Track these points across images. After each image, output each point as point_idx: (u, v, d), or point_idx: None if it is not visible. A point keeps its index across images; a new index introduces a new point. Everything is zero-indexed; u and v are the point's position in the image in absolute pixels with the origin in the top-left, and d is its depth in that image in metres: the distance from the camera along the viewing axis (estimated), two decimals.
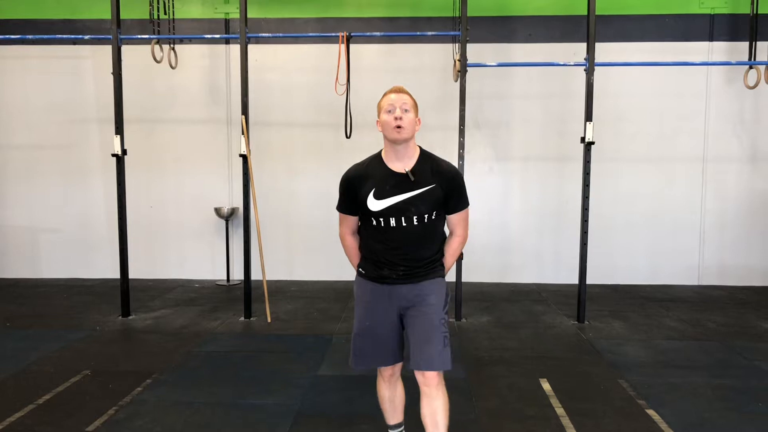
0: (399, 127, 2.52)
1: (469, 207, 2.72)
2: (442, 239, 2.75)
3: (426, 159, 2.64)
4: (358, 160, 2.73)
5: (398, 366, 2.79)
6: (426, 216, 2.58)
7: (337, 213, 2.77)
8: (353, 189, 2.63)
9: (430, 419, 2.63)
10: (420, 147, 2.67)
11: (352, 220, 2.73)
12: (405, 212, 2.56)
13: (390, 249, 2.61)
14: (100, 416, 3.49)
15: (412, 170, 2.58)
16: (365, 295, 2.72)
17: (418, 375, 2.62)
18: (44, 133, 7.30)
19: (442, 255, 2.74)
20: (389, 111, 2.55)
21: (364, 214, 2.63)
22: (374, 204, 2.58)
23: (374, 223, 2.61)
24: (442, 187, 2.59)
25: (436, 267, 2.71)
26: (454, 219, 2.71)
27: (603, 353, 4.68)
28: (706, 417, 3.52)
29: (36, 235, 7.42)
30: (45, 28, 7.04)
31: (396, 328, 2.70)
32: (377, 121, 2.62)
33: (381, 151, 2.68)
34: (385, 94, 2.62)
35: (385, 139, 2.60)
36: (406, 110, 2.54)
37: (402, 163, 2.60)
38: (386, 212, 2.57)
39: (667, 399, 3.77)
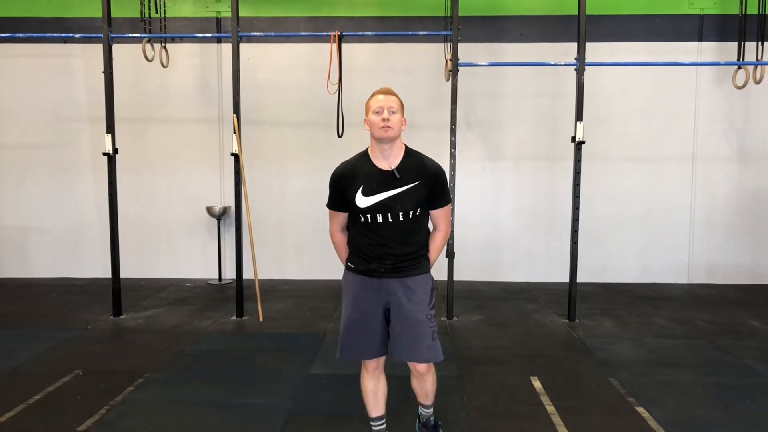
0: (386, 126, 2.62)
1: (451, 203, 2.89)
2: (426, 235, 2.86)
3: (410, 157, 2.75)
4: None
5: (382, 359, 2.90)
6: (411, 212, 2.70)
7: (327, 210, 2.86)
8: (342, 186, 2.73)
9: (421, 391, 2.99)
10: (405, 145, 2.77)
11: (342, 217, 2.83)
12: (391, 208, 2.67)
13: (377, 244, 2.73)
14: (92, 416, 3.48)
15: (398, 168, 2.69)
16: (354, 288, 2.82)
17: (410, 364, 2.84)
18: (35, 132, 7.26)
19: (427, 250, 2.86)
20: (377, 112, 2.65)
21: (353, 210, 2.73)
22: (362, 201, 2.68)
23: (362, 219, 2.72)
24: (426, 184, 2.70)
25: (422, 262, 2.82)
26: (436, 214, 2.82)
27: (593, 351, 4.71)
28: (695, 414, 3.55)
29: (27, 234, 7.38)
30: (35, 26, 7.01)
31: (382, 321, 2.80)
32: (365, 119, 2.72)
33: (367, 149, 2.78)
34: (373, 95, 2.72)
35: (372, 137, 2.70)
36: (393, 111, 2.65)
37: (388, 161, 2.70)
38: (373, 208, 2.68)
39: (657, 396, 3.80)
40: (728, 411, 3.60)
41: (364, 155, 2.77)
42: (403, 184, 2.68)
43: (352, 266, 2.84)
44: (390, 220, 2.69)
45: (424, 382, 2.92)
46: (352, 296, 2.82)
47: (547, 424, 3.42)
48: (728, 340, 4.98)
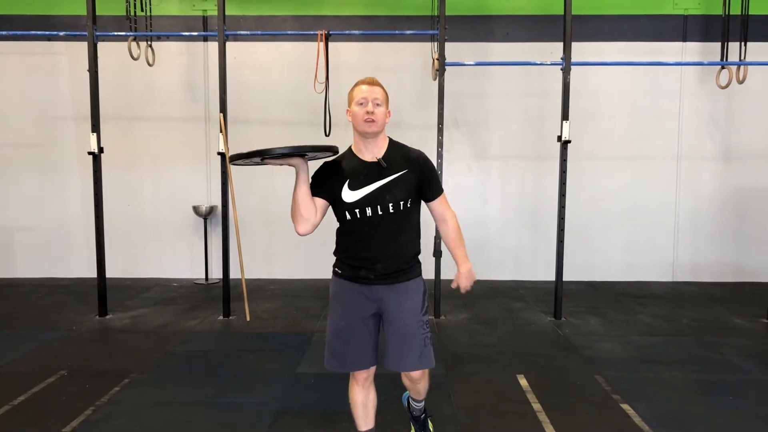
0: (370, 120, 2.49)
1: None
2: (417, 236, 2.70)
3: (395, 147, 2.62)
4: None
5: (372, 369, 2.72)
6: (402, 203, 2.54)
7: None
8: (326, 175, 2.58)
9: (413, 390, 2.86)
10: (389, 137, 2.65)
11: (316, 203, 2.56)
12: (380, 200, 2.51)
13: (365, 245, 2.56)
14: (77, 417, 3.46)
15: (383, 158, 2.55)
16: (341, 295, 2.66)
17: (402, 373, 2.72)
18: (19, 131, 7.19)
19: (419, 251, 2.71)
20: (361, 104, 2.51)
21: (339, 208, 2.56)
22: (349, 195, 2.52)
23: (349, 216, 2.54)
24: (414, 172, 2.57)
25: (414, 265, 2.68)
26: (437, 206, 2.69)
27: (579, 349, 4.74)
28: (679, 411, 3.59)
29: (11, 234, 7.31)
30: (19, 24, 6.94)
31: (372, 330, 2.65)
32: (347, 110, 2.58)
33: (351, 145, 2.65)
34: (356, 85, 2.58)
35: (355, 130, 2.57)
36: (378, 104, 2.51)
37: (372, 153, 2.57)
38: (362, 202, 2.52)
39: (642, 393, 3.84)
40: (712, 407, 3.64)
41: (348, 151, 2.63)
42: (390, 173, 2.53)
43: (340, 272, 2.66)
44: (380, 212, 2.51)
45: (416, 384, 2.76)
46: (339, 303, 2.66)
47: (533, 421, 3.44)
48: (712, 337, 5.03)
